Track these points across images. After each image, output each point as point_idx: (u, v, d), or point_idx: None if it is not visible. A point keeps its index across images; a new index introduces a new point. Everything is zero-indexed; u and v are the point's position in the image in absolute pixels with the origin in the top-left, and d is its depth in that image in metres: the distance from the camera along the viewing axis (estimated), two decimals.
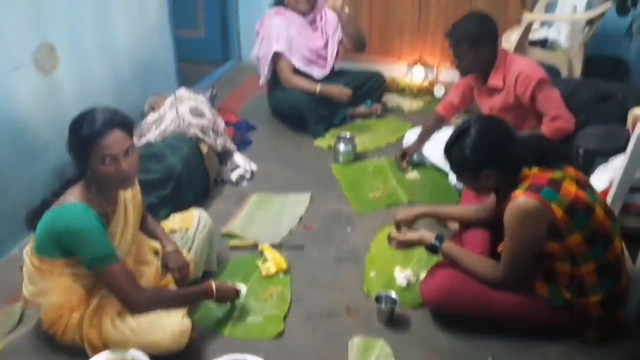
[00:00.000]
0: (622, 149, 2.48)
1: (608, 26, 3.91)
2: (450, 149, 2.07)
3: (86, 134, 1.81)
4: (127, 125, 1.92)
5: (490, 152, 2.00)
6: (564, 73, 3.69)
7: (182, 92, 3.30)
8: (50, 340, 2.02)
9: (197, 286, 2.16)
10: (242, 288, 2.32)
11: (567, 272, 1.98)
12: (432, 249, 2.20)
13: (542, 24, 4.04)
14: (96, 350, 1.91)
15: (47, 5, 2.69)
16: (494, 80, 2.89)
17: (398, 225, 2.47)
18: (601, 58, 4.00)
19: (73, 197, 1.87)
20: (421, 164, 3.33)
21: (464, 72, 2.98)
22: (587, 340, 2.08)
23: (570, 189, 1.92)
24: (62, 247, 1.86)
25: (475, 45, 2.81)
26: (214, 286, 2.08)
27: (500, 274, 2.03)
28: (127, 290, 1.90)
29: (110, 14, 3.20)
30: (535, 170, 1.98)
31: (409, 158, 3.27)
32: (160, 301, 1.97)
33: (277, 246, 2.63)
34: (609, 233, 1.98)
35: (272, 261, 2.49)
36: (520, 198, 1.90)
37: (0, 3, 2.44)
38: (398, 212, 2.56)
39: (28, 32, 2.60)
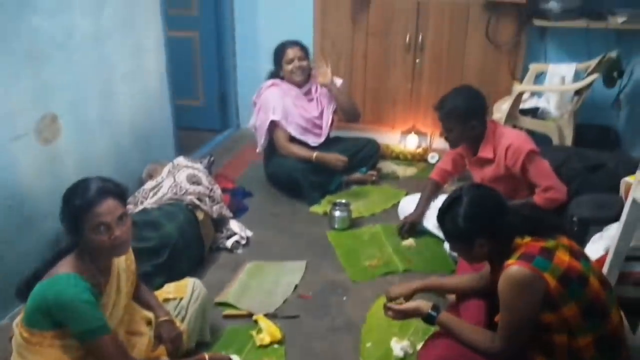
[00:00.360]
0: (616, 217, 2.50)
1: (596, 96, 4.02)
2: (443, 218, 2.07)
3: (79, 203, 1.83)
4: (120, 193, 1.94)
5: (483, 221, 2.00)
6: (555, 141, 3.75)
7: (180, 160, 3.34)
8: None
9: (190, 358, 2.11)
10: (236, 359, 2.28)
11: (564, 345, 1.95)
12: (429, 319, 2.17)
13: (532, 94, 4.15)
14: None
15: (52, 77, 2.77)
16: (484, 152, 2.94)
17: (389, 299, 2.43)
18: (591, 126, 4.09)
19: (65, 268, 1.86)
20: (417, 231, 3.33)
21: (453, 145, 3.02)
22: None
23: (563, 258, 1.91)
24: (52, 319, 1.82)
25: (463, 119, 2.86)
26: (207, 358, 2.04)
27: (497, 346, 1.99)
28: None
29: (113, 86, 3.28)
30: (527, 239, 1.98)
31: (411, 227, 3.26)
32: None
33: (272, 316, 2.60)
34: (605, 304, 1.96)
35: (267, 331, 2.46)
36: (513, 267, 1.89)
37: (7, 74, 2.50)
38: (393, 288, 2.47)
39: (32, 102, 2.66)
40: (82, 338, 1.83)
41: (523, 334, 1.96)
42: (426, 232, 3.30)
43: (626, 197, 2.41)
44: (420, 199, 3.31)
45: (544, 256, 1.89)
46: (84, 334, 1.82)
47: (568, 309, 1.89)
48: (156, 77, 3.77)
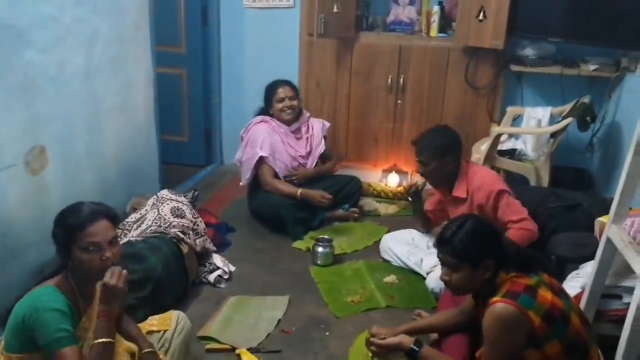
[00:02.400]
0: (591, 256, 2.58)
1: (571, 139, 4.16)
2: (452, 238, 2.06)
3: (72, 223, 1.87)
4: (113, 216, 1.98)
5: (492, 239, 2.06)
6: (532, 182, 3.86)
7: (164, 193, 3.37)
8: None
9: None
10: None
11: None
12: (411, 354, 2.20)
13: (510, 135, 4.27)
14: None
15: (43, 109, 2.81)
16: (458, 192, 3.05)
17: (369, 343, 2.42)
18: (566, 168, 4.21)
19: (47, 283, 1.88)
20: (398, 268, 3.37)
21: (427, 179, 3.15)
22: None
23: (546, 296, 1.96)
24: (25, 335, 1.81)
25: (439, 154, 2.99)
26: None
27: None
28: None
29: (101, 120, 3.33)
30: (512, 274, 2.03)
31: (417, 190, 3.29)
32: None
33: (255, 350, 2.61)
34: (585, 341, 2.00)
35: None
36: (498, 305, 1.93)
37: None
38: (375, 329, 2.44)
39: (22, 133, 2.69)
40: (47, 349, 1.80)
41: None
42: (408, 270, 3.35)
43: (600, 236, 2.50)
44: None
45: (529, 294, 1.94)
46: (48, 344, 1.78)
47: (550, 347, 1.93)
48: (144, 112, 3.82)
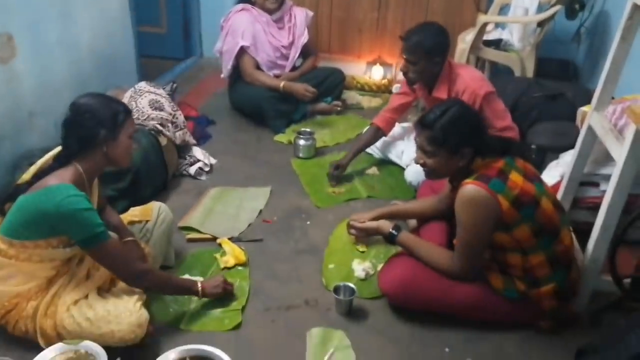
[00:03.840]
0: (572, 145, 2.58)
1: (558, 29, 4.06)
2: (434, 123, 2.02)
3: (124, 108, 1.96)
4: None
5: (472, 127, 2.03)
6: (517, 73, 3.80)
7: (142, 85, 3.27)
8: (1, 332, 1.98)
9: (187, 280, 2.24)
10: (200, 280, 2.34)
11: (518, 264, 2.04)
12: (390, 238, 2.24)
13: (496, 25, 4.16)
14: (49, 340, 1.88)
15: None
16: (439, 93, 2.87)
17: (358, 230, 2.49)
18: (552, 60, 4.15)
19: (58, 179, 1.84)
20: (344, 177, 3.27)
21: (411, 80, 2.91)
22: (541, 331, 2.16)
23: (516, 181, 1.97)
24: (47, 228, 1.83)
25: (428, 53, 2.78)
26: (199, 286, 2.15)
27: (455, 264, 2.08)
28: (127, 264, 1.93)
29: (72, 8, 3.16)
30: (487, 160, 2.02)
31: (341, 172, 3.18)
32: (156, 279, 2.03)
33: (236, 239, 2.64)
34: (556, 226, 2.05)
35: (231, 254, 2.50)
36: (469, 186, 1.95)
37: None
38: (357, 214, 2.57)
39: None
40: (85, 245, 1.86)
41: (479, 253, 2.04)
42: (389, 162, 3.36)
43: (582, 126, 2.49)
44: (355, 143, 3.26)
45: (500, 178, 1.96)
46: (87, 241, 1.84)
47: (519, 230, 1.97)
48: (118, 1, 3.63)
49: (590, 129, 2.38)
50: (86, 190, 1.92)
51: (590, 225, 2.21)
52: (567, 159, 2.56)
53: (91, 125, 1.88)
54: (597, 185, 2.60)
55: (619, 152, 2.03)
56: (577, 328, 2.18)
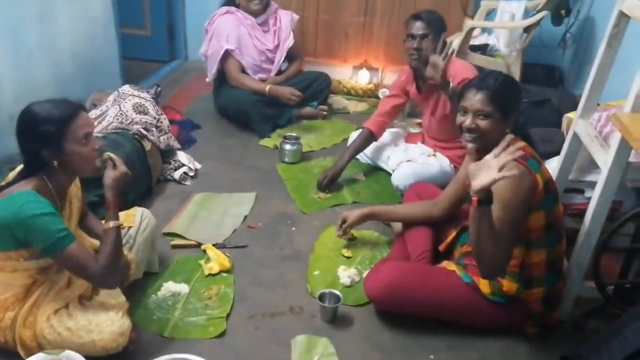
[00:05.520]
0: (557, 151, 2.59)
1: (544, 35, 4.08)
2: (492, 84, 1.99)
3: (61, 116, 1.79)
4: (86, 109, 1.92)
5: (520, 98, 2.09)
6: None
7: (126, 88, 3.24)
8: None
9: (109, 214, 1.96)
10: (184, 287, 2.31)
11: (518, 259, 2.03)
12: (482, 201, 1.87)
13: (483, 30, 4.17)
14: (29, 351, 1.84)
15: None
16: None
17: (343, 222, 2.52)
18: (538, 65, 4.17)
19: (21, 188, 1.80)
20: (367, 166, 3.36)
21: (421, 58, 2.92)
22: (525, 336, 2.16)
23: (546, 170, 2.00)
24: (11, 239, 1.78)
25: (438, 32, 2.90)
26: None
27: (505, 249, 1.93)
28: (89, 267, 1.82)
29: (51, 9, 3.12)
30: (518, 139, 2.01)
31: (333, 184, 3.14)
32: (109, 260, 1.87)
33: (221, 246, 2.61)
34: (562, 227, 2.07)
35: (215, 261, 2.47)
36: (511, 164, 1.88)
37: None
38: (346, 212, 2.58)
39: None
40: (49, 252, 1.79)
41: (515, 233, 1.95)
42: (376, 167, 3.35)
43: (567, 132, 2.49)
44: (348, 149, 3.23)
45: (535, 160, 1.97)
46: (50, 248, 1.77)
47: (536, 217, 1.96)
48: (100, 2, 3.60)
49: (575, 135, 2.38)
50: (54, 199, 1.86)
51: (575, 232, 2.22)
52: (553, 165, 2.57)
53: (30, 147, 1.82)
54: (582, 192, 2.61)
55: (604, 159, 2.04)
56: (560, 334, 2.19)
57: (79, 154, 1.83)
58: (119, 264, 1.93)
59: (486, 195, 1.82)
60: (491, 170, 1.78)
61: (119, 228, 1.93)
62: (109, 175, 1.92)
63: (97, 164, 1.90)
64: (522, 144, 1.99)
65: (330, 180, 3.12)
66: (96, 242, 2.18)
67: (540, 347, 2.14)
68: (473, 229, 1.88)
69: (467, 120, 2.00)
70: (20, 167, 1.91)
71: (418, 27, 2.90)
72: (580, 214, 2.26)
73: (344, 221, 2.53)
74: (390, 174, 3.18)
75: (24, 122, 1.81)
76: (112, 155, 1.96)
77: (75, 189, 2.07)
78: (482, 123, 1.99)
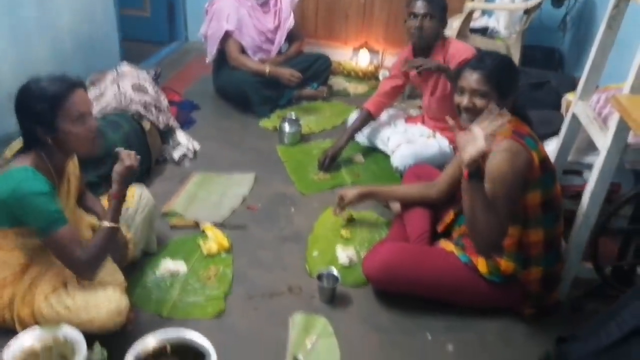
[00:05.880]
0: (556, 133, 2.59)
1: (544, 17, 4.05)
2: (490, 63, 2.00)
3: (55, 93, 1.76)
4: (85, 86, 1.89)
5: (518, 79, 2.07)
6: None
7: (125, 67, 3.23)
8: None
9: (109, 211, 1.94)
10: (183, 267, 2.31)
11: (516, 238, 2.03)
12: (473, 175, 1.92)
13: (483, 12, 4.14)
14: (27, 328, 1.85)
15: None
16: (437, 57, 2.97)
17: (341, 200, 2.53)
18: (537, 47, 4.14)
19: (20, 163, 1.79)
20: (366, 147, 3.36)
21: (424, 36, 2.95)
22: (522, 317, 2.17)
23: (542, 147, 2.00)
24: (7, 216, 1.77)
25: (442, 10, 2.93)
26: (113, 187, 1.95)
27: (499, 226, 1.95)
28: (75, 254, 1.81)
29: None
30: (515, 119, 2.01)
31: (334, 161, 3.17)
32: (97, 251, 1.86)
33: (219, 226, 2.61)
34: (560, 207, 2.08)
35: (214, 240, 2.48)
36: (506, 140, 1.93)
37: None
38: (344, 190, 2.58)
39: None
40: (41, 232, 1.78)
41: (511, 210, 1.96)
42: (375, 149, 3.35)
43: (566, 113, 2.49)
44: (348, 129, 3.25)
45: (532, 138, 1.97)
46: (43, 228, 1.77)
47: (532, 195, 1.97)
48: None
49: (574, 117, 2.38)
50: (52, 175, 1.86)
51: (574, 213, 2.22)
52: (551, 147, 2.56)
53: (25, 124, 1.81)
54: (580, 174, 2.60)
55: (603, 141, 2.04)
56: (558, 316, 2.20)
57: (74, 133, 1.80)
58: (104, 259, 1.91)
59: (476, 168, 1.86)
60: (477, 141, 1.80)
61: (114, 229, 1.91)
62: (115, 170, 1.92)
63: (93, 144, 1.88)
64: (521, 125, 1.99)
65: (331, 159, 3.13)
66: (94, 221, 2.19)
67: (537, 327, 2.15)
68: (466, 202, 1.93)
69: (465, 100, 2.01)
70: (15, 142, 1.90)
71: (420, 7, 2.91)
72: (579, 195, 2.25)
73: (341, 199, 2.54)
74: (389, 156, 3.18)
75: (20, 99, 1.80)
76: (119, 149, 1.95)
77: (73, 166, 2.06)
78: (479, 102, 1.99)
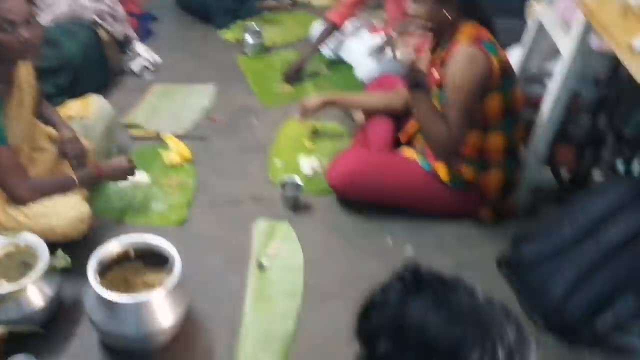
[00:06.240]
0: (520, 40, 2.56)
1: None
2: None
3: None
4: None
5: None
6: None
7: None
8: None
9: (84, 169, 2.02)
10: (144, 177, 2.29)
11: (476, 144, 2.05)
12: (415, 84, 1.98)
13: None
14: None
15: None
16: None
17: (304, 108, 2.48)
18: None
19: None
20: (331, 60, 3.30)
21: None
22: (480, 220, 2.21)
23: (502, 51, 1.99)
24: None
25: None
26: (74, 178, 1.97)
27: (454, 133, 1.98)
28: (11, 178, 1.80)
29: None
30: (474, 24, 1.98)
31: (298, 75, 3.10)
32: (44, 189, 1.88)
33: (181, 137, 2.58)
34: (519, 112, 2.09)
35: (176, 151, 2.45)
36: (463, 46, 1.91)
37: None
38: (307, 99, 2.54)
39: None
40: None
41: (469, 117, 1.98)
42: (339, 61, 3.28)
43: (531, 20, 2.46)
44: (311, 42, 3.20)
45: (492, 43, 1.95)
46: None
47: (493, 100, 1.98)
48: None
49: (539, 23, 2.35)
50: (2, 79, 1.80)
51: (527, 123, 2.23)
52: (515, 56, 2.54)
53: None
54: (542, 83, 2.60)
55: (566, 44, 2.02)
56: (514, 220, 2.24)
57: (5, 41, 1.72)
58: (46, 197, 1.89)
59: (414, 78, 1.93)
60: (405, 47, 1.89)
61: (74, 186, 1.95)
62: (119, 161, 2.11)
63: (31, 53, 1.81)
64: (480, 30, 1.96)
65: (296, 71, 3.08)
66: (52, 131, 2.13)
67: (495, 230, 2.20)
68: (415, 113, 2.00)
69: (410, 10, 1.99)
70: None
71: None
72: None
73: (305, 107, 2.50)
74: (352, 67, 3.13)
75: None
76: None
77: (27, 75, 1.98)
78: (413, 7, 1.96)
